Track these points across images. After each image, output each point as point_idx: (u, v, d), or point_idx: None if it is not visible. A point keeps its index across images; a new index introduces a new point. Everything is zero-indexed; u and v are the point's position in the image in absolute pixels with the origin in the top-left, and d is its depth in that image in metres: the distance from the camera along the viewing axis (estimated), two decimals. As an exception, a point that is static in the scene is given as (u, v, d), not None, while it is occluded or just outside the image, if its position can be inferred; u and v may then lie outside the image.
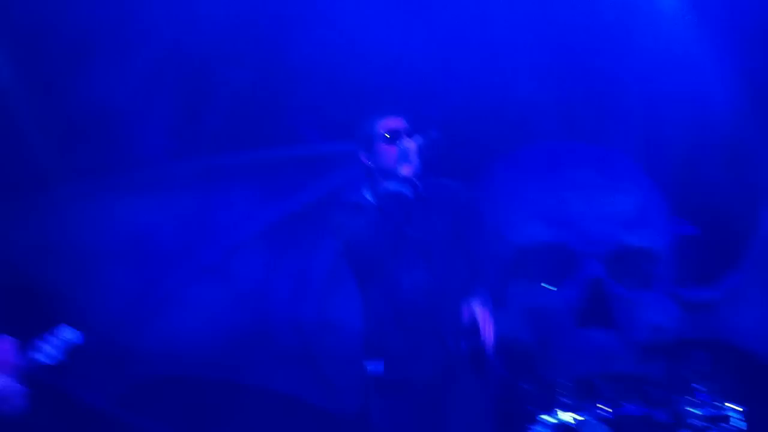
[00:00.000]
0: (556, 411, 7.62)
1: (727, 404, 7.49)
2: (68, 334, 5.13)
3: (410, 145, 3.32)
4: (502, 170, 9.24)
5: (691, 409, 7.50)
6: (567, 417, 7.57)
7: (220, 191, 9.01)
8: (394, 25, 8.53)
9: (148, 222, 8.94)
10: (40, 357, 4.66)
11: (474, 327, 3.38)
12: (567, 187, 8.91)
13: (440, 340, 3.49)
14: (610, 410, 7.67)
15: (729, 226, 8.97)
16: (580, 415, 7.62)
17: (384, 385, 3.46)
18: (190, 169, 9.10)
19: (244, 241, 8.98)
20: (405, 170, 3.31)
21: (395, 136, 3.36)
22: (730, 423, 7.39)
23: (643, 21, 8.62)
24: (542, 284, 8.83)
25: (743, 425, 7.42)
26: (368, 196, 3.47)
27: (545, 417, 7.63)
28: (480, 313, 3.34)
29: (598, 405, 7.73)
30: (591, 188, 8.87)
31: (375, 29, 8.49)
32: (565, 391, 7.77)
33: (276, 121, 8.88)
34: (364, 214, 3.39)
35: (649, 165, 9.15)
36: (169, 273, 8.81)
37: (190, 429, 8.37)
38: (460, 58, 8.70)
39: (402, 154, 3.26)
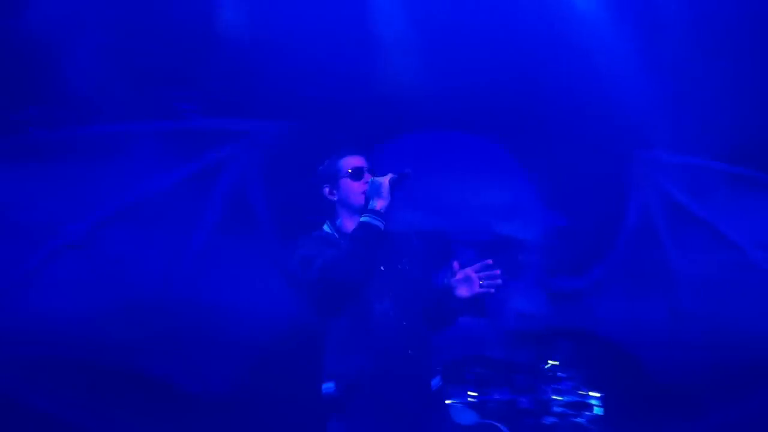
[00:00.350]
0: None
1: (588, 392, 7.76)
2: None
3: (383, 181, 3.47)
4: (379, 156, 9.23)
5: (555, 396, 7.73)
6: (437, 402, 7.66)
7: (88, 163, 8.63)
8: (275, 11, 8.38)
9: (8, 193, 8.49)
10: None
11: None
12: (443, 175, 9.01)
13: (407, 364, 3.57)
14: (477, 395, 7.81)
15: (597, 220, 9.27)
16: (450, 400, 7.73)
17: (338, 406, 3.59)
18: (55, 139, 8.68)
19: (113, 217, 8.63)
20: (378, 204, 3.44)
21: (359, 172, 3.54)
22: (592, 410, 7.65)
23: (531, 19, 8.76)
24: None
25: (601, 411, 7.70)
26: (330, 229, 3.61)
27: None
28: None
29: (466, 391, 7.86)
30: (467, 178, 9.00)
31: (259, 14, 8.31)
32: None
33: (152, 94, 8.55)
34: (334, 246, 3.47)
35: (523, 157, 9.32)
36: (31, 248, 8.41)
37: (54, 409, 8.04)
38: (347, 47, 8.64)
39: (374, 190, 3.39)
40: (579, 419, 7.51)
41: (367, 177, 3.60)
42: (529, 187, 9.22)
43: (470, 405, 7.68)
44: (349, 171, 3.62)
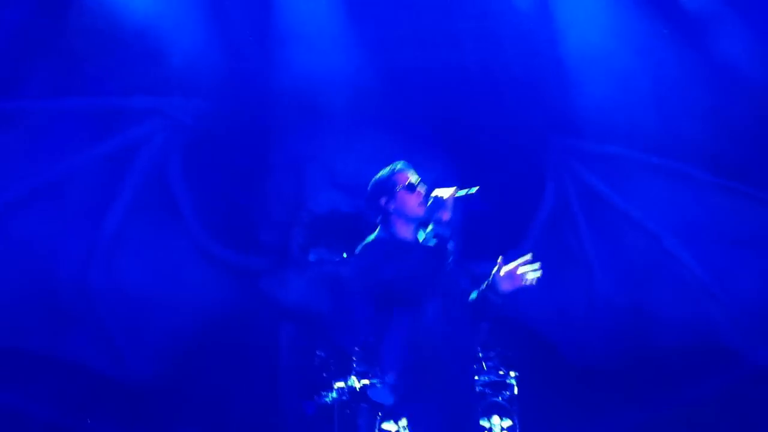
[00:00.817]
0: (348, 377, 7.71)
1: (507, 371, 7.89)
2: None
3: (446, 194, 3.82)
4: (304, 137, 9.20)
5: (475, 376, 7.83)
6: (358, 383, 7.69)
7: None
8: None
9: None
10: None
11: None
12: (366, 156, 9.02)
13: (455, 361, 3.88)
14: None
15: (515, 205, 9.42)
16: (370, 381, 7.76)
17: (402, 397, 3.79)
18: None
19: (24, 197, 8.35)
20: (444, 216, 3.80)
21: (414, 186, 3.90)
22: (510, 389, 7.79)
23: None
24: (343, 254, 8.97)
25: (517, 390, 7.83)
26: (385, 235, 3.88)
27: (338, 383, 7.71)
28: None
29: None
30: (389, 161, 9.00)
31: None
32: (357, 357, 7.89)
33: (68, 70, 8.30)
34: (403, 252, 3.77)
35: (443, 141, 9.40)
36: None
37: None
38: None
39: (438, 203, 3.75)
40: (497, 398, 7.62)
41: (421, 190, 3.88)
42: (449, 171, 9.29)
43: (389, 385, 7.70)
44: (405, 184, 3.92)
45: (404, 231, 3.96)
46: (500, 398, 7.73)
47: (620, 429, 8.43)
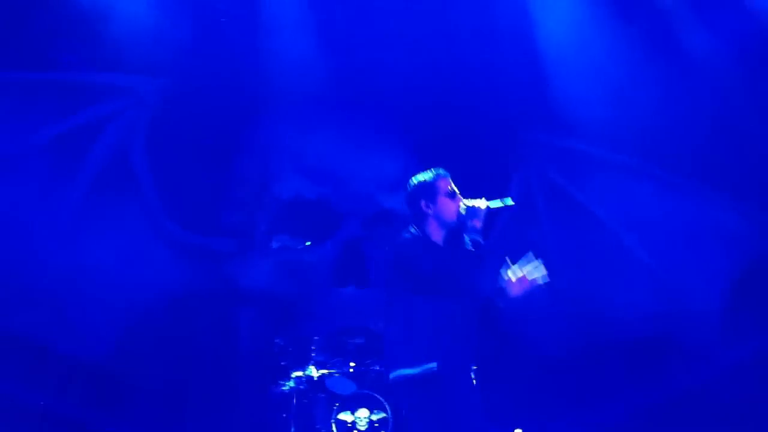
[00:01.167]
0: (307, 366, 7.73)
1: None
2: None
3: (481, 205, 4.23)
4: (271, 121, 9.14)
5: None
6: (316, 372, 7.70)
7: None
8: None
9: None
10: None
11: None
12: (332, 144, 9.00)
13: (466, 354, 4.46)
14: (355, 366, 7.89)
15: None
16: (329, 370, 7.78)
17: (440, 383, 4.11)
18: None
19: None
20: (476, 223, 4.22)
21: (454, 194, 4.26)
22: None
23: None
24: (306, 242, 8.95)
25: (476, 382, 7.88)
26: (417, 233, 4.20)
27: (297, 372, 7.72)
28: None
29: (346, 361, 7.92)
30: (356, 149, 9.02)
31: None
32: (317, 346, 7.90)
33: (32, 42, 8.14)
34: (437, 250, 4.16)
35: (409, 131, 9.39)
36: None
37: None
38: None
39: (473, 211, 4.19)
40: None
41: (459, 198, 4.21)
42: (415, 161, 9.29)
43: (350, 375, 7.74)
44: (447, 191, 4.25)
45: (436, 234, 4.24)
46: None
47: (577, 420, 8.55)
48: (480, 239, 4.18)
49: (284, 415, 7.47)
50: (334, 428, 7.28)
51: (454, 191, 4.32)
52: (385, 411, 7.37)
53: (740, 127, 9.04)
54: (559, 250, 9.40)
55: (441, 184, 4.36)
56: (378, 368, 7.83)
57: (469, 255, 4.16)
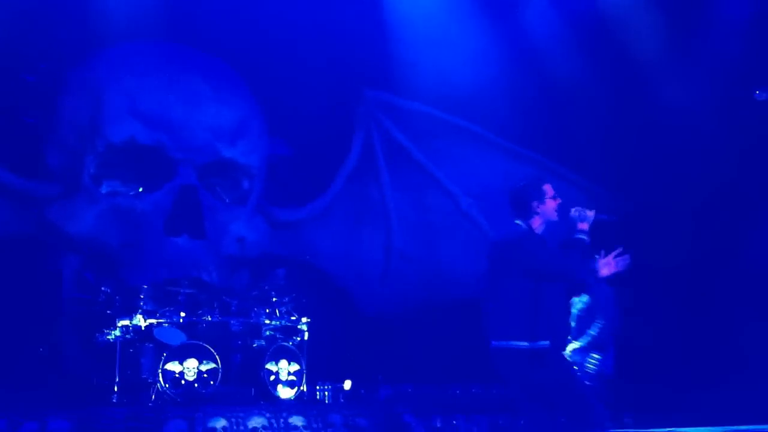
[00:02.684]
0: (134, 315, 7.39)
1: (300, 317, 7.84)
2: None
3: (590, 214, 4.82)
4: (104, 61, 8.64)
5: (267, 320, 7.74)
6: (144, 322, 7.38)
7: None
8: None
9: None
10: None
11: None
12: (170, 89, 8.62)
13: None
14: (185, 316, 7.63)
15: (322, 153, 9.35)
16: (158, 320, 7.47)
17: (531, 357, 4.70)
18: None
19: None
20: (583, 226, 4.81)
21: (555, 197, 4.90)
22: (301, 335, 7.76)
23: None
24: (138, 189, 8.55)
25: (308, 336, 7.81)
26: (526, 226, 4.86)
27: (123, 321, 7.37)
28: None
29: (177, 311, 7.64)
30: (195, 95, 8.68)
31: None
32: (145, 296, 7.56)
33: None
34: (543, 242, 4.90)
35: (252, 81, 9.16)
36: None
37: None
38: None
39: (581, 215, 4.81)
40: (286, 343, 7.57)
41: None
42: (256, 112, 9.07)
43: (180, 326, 7.47)
44: (552, 195, 4.91)
45: (539, 228, 4.93)
46: (290, 343, 7.67)
47: (414, 377, 8.62)
48: (584, 237, 4.86)
49: (109, 365, 7.12)
50: (161, 378, 6.98)
51: (555, 195, 5.00)
52: (215, 361, 7.14)
53: (579, 100, 9.38)
54: (397, 210, 9.49)
55: (547, 189, 5.02)
56: (210, 319, 7.60)
57: (569, 245, 4.91)
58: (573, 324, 6.02)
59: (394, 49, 9.25)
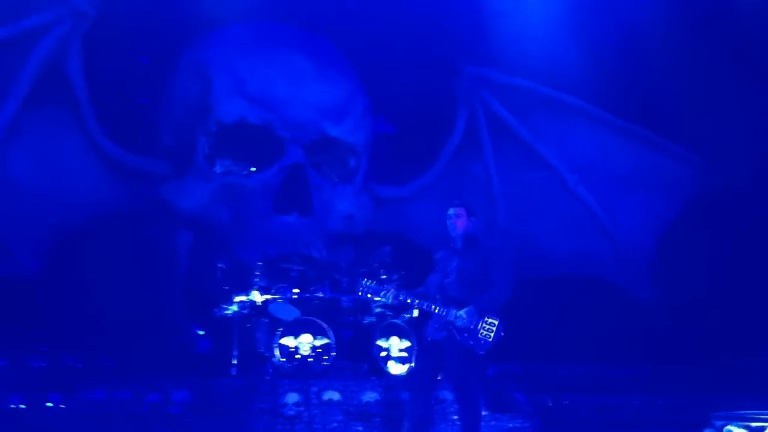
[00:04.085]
0: (249, 291, 7.63)
1: (407, 295, 7.95)
2: None
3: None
4: (213, 43, 8.85)
5: (374, 297, 7.86)
6: (259, 297, 7.62)
7: None
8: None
9: None
10: None
11: None
12: (276, 69, 8.76)
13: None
14: (298, 292, 7.84)
15: (425, 131, 9.42)
16: (272, 296, 7.70)
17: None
18: None
19: None
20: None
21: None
22: (410, 312, 7.87)
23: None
24: (251, 168, 8.76)
25: (415, 312, 7.93)
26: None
27: (239, 297, 7.62)
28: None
29: (289, 288, 7.86)
30: (300, 74, 8.78)
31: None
32: (260, 272, 7.80)
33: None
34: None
35: (356, 60, 9.25)
36: None
37: None
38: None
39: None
40: (396, 320, 7.71)
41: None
42: (359, 91, 9.15)
43: (293, 302, 7.70)
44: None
45: None
46: (400, 320, 7.81)
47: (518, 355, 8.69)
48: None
49: (227, 340, 7.40)
50: (276, 352, 7.23)
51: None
52: (327, 336, 7.35)
53: (682, 74, 9.22)
54: (501, 185, 9.49)
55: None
56: (321, 295, 7.81)
57: None
58: None
59: (495, 24, 9.22)
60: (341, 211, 8.68)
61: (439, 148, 9.39)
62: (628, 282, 9.80)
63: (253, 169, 8.74)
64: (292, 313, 7.57)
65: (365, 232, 8.88)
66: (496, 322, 5.52)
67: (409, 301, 5.81)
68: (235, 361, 7.43)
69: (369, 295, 6.46)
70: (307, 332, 7.38)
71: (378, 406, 6.84)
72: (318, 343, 7.38)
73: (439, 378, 5.82)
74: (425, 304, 5.64)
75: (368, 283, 5.95)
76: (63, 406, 6.53)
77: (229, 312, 7.56)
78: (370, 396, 6.91)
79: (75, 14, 8.22)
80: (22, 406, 6.51)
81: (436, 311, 5.55)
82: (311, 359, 7.32)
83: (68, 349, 7.84)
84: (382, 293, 5.88)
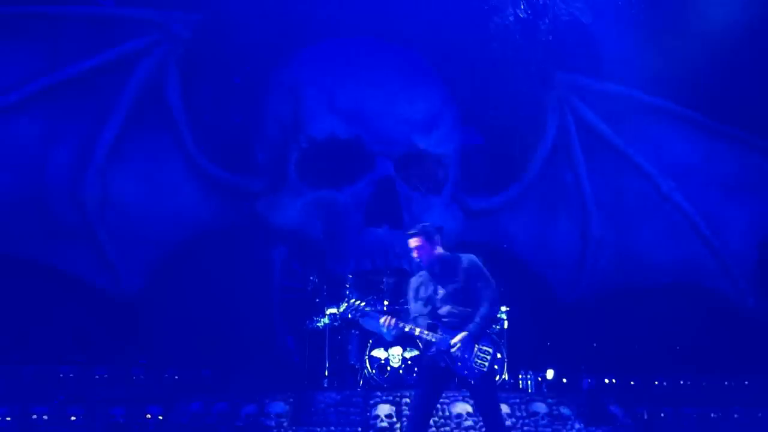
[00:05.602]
0: (340, 304, 7.73)
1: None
2: None
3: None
4: (303, 60, 9.03)
5: (367, 323, 7.81)
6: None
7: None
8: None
9: None
10: None
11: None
12: (365, 84, 8.87)
13: None
14: (388, 303, 7.88)
15: (514, 140, 9.36)
16: (363, 308, 7.75)
17: None
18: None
19: (18, 105, 8.19)
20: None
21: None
22: (500, 323, 7.83)
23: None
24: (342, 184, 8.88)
25: (507, 324, 7.88)
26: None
27: (330, 309, 7.73)
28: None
29: (380, 300, 7.92)
30: (390, 88, 8.86)
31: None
32: (350, 285, 7.89)
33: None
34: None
35: (443, 72, 9.27)
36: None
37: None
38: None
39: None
40: (486, 331, 7.64)
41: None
42: (448, 102, 9.17)
43: (383, 314, 7.71)
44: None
45: None
46: (490, 331, 7.76)
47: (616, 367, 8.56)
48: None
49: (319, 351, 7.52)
50: (367, 364, 7.30)
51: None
52: (418, 349, 7.37)
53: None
54: (594, 194, 9.35)
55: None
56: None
57: None
58: None
59: (583, 30, 9.11)
60: (431, 222, 8.67)
61: (530, 157, 9.31)
62: (730, 289, 9.49)
63: (343, 183, 8.88)
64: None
65: (456, 243, 8.88)
66: (491, 351, 5.27)
67: (407, 329, 5.37)
68: (327, 373, 7.54)
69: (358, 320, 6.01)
70: (397, 344, 7.43)
71: (471, 417, 6.82)
72: (408, 354, 7.42)
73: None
74: (422, 333, 5.27)
75: (360, 305, 5.73)
76: (161, 417, 6.76)
77: (321, 324, 7.68)
78: (461, 407, 6.90)
79: (171, 38, 8.56)
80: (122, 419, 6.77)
81: (432, 340, 5.20)
82: (401, 371, 7.36)
83: (167, 361, 8.11)
84: (382, 320, 5.58)
